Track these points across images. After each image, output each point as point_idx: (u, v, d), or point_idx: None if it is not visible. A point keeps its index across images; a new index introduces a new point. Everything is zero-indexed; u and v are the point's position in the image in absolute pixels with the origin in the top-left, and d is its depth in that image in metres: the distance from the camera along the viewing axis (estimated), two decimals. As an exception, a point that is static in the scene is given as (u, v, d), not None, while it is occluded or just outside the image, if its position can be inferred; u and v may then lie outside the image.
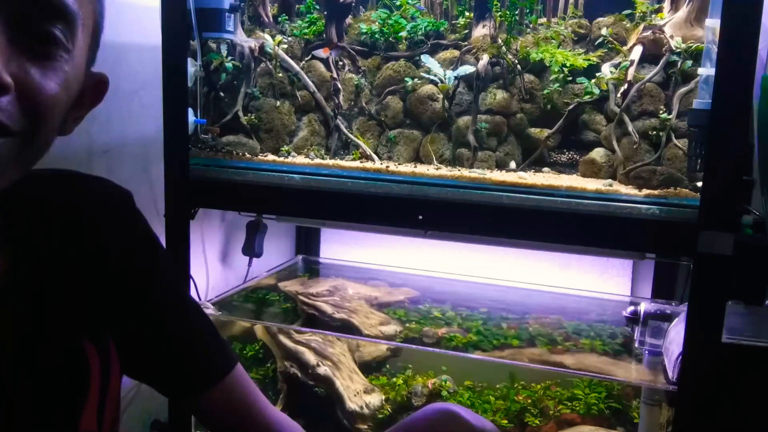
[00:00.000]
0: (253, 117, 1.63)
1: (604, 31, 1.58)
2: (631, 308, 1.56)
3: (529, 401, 1.83)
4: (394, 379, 1.97)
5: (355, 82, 1.70)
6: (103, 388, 0.66)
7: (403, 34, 1.70)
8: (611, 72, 1.52)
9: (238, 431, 0.80)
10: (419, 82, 1.63)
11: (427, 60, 1.61)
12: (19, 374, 0.60)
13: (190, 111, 1.51)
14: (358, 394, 1.89)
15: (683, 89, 1.44)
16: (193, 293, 1.67)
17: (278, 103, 1.64)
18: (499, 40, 1.60)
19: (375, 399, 1.89)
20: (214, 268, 1.96)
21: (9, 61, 0.52)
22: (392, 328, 1.69)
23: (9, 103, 0.51)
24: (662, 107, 1.45)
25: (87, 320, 0.67)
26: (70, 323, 0.65)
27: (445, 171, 1.49)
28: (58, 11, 0.56)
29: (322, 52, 1.66)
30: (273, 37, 1.69)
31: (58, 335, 0.64)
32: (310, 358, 1.90)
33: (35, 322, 0.62)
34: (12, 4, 0.52)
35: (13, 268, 0.62)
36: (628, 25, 1.59)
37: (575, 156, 1.58)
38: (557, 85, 1.58)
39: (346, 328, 1.70)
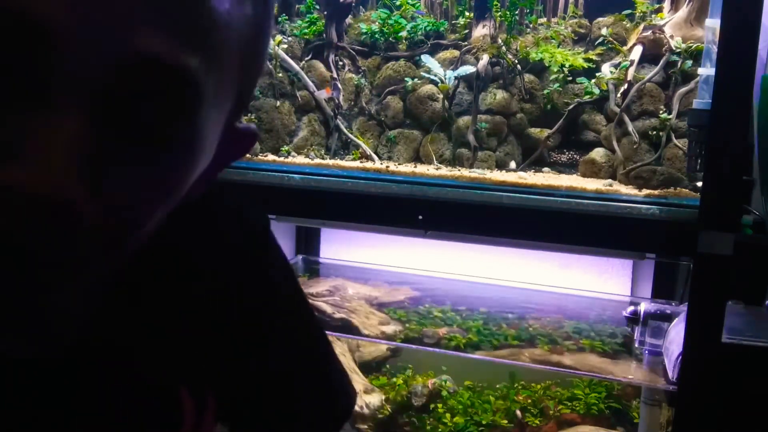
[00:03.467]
0: (252, 117, 1.63)
1: (604, 31, 1.58)
2: (631, 308, 1.56)
3: (529, 401, 1.83)
4: (394, 379, 1.97)
5: (355, 82, 1.70)
6: None
7: (403, 34, 1.70)
8: (611, 72, 1.52)
9: None
10: (419, 82, 1.63)
11: (427, 60, 1.61)
12: (102, 416, 0.51)
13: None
14: (358, 394, 1.89)
15: (683, 89, 1.44)
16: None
17: (278, 103, 1.64)
18: (499, 40, 1.60)
19: (375, 399, 1.89)
20: (214, 268, 1.96)
21: (95, 172, 0.34)
22: (392, 328, 1.69)
23: (84, 229, 0.34)
24: (662, 107, 1.45)
25: (189, 367, 0.57)
26: (168, 367, 0.55)
27: (445, 171, 1.49)
28: (175, 88, 0.35)
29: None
30: (273, 37, 1.69)
31: (150, 378, 0.54)
32: (310, 358, 1.90)
33: (131, 358, 0.53)
34: (105, 83, 0.33)
35: (118, 298, 0.52)
36: (628, 25, 1.59)
37: (575, 156, 1.58)
38: (557, 85, 1.58)
39: (346, 328, 1.70)
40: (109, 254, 0.38)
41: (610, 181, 1.43)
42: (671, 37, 1.47)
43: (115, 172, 0.35)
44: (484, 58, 1.58)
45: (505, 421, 1.81)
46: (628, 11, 1.59)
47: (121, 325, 0.52)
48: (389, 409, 1.89)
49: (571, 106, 1.56)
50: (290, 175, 1.48)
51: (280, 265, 0.64)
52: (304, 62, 1.69)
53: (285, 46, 1.68)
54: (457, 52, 1.66)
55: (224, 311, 0.59)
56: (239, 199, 0.62)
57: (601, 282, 1.98)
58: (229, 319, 0.59)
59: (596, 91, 1.53)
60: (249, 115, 1.63)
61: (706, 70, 1.31)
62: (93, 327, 0.50)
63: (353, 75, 1.71)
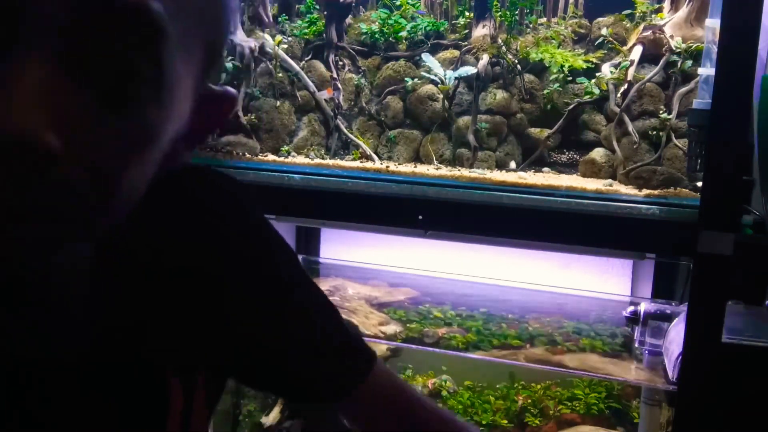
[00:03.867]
0: (253, 117, 1.63)
1: (604, 31, 1.58)
2: (631, 308, 1.56)
3: (529, 401, 1.83)
4: (394, 379, 1.96)
5: (355, 82, 1.70)
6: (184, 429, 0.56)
7: (403, 34, 1.70)
8: (611, 72, 1.52)
9: (393, 428, 0.68)
10: (419, 82, 1.63)
11: (427, 60, 1.61)
12: (85, 399, 0.50)
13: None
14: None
15: (683, 89, 1.44)
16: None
17: (278, 103, 1.64)
18: (499, 40, 1.60)
19: (375, 399, 1.89)
20: (214, 268, 1.96)
21: (64, 115, 0.34)
22: (392, 328, 1.69)
23: (59, 176, 0.35)
24: (662, 107, 1.45)
25: (179, 348, 0.55)
26: (156, 349, 0.54)
27: (445, 171, 1.49)
28: (139, 30, 0.36)
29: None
30: (273, 37, 1.69)
31: (138, 362, 0.53)
32: (310, 358, 1.90)
33: (116, 341, 0.51)
34: (70, 26, 0.34)
35: (105, 274, 0.50)
36: (628, 25, 1.59)
37: (575, 156, 1.58)
38: (557, 85, 1.58)
39: (346, 328, 1.69)
40: (90, 216, 0.38)
41: (610, 181, 1.43)
42: (671, 37, 1.47)
43: (83, 117, 0.35)
44: (484, 58, 1.58)
45: (505, 421, 1.81)
46: (628, 11, 1.59)
47: (110, 307, 0.52)
48: (389, 409, 1.89)
49: (571, 106, 1.56)
50: (290, 175, 1.48)
51: (273, 238, 0.63)
52: (304, 62, 1.69)
53: (285, 46, 1.68)
54: (457, 52, 1.66)
55: (214, 291, 0.58)
56: (234, 187, 0.61)
57: (601, 282, 1.98)
58: (222, 296, 0.58)
59: (596, 91, 1.53)
60: (249, 115, 1.63)
61: (706, 70, 1.31)
62: (85, 310, 0.50)
63: (353, 75, 1.71)
